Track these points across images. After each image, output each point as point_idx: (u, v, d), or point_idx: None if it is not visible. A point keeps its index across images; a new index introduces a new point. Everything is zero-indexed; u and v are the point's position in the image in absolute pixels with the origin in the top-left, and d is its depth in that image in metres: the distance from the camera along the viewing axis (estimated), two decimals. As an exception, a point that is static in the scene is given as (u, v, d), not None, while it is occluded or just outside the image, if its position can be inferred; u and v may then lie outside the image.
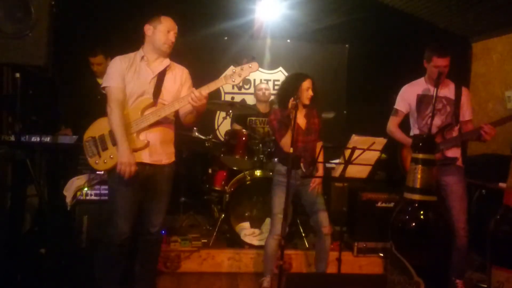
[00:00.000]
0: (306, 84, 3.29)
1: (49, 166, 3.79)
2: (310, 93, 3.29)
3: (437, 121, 3.41)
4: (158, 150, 2.87)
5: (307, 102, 3.30)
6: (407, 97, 3.57)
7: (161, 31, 2.85)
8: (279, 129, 3.31)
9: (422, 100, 3.49)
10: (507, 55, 4.70)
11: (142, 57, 2.87)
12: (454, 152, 3.43)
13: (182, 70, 3.04)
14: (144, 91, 2.83)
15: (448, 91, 3.46)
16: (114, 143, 2.75)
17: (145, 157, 2.81)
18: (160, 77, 2.89)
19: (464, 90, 3.48)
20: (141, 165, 2.79)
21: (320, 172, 3.43)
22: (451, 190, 3.35)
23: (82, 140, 2.87)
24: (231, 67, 2.80)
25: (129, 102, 2.82)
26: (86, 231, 3.40)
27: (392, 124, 3.62)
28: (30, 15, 3.02)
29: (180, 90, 2.97)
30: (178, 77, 2.98)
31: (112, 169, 2.76)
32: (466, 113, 3.47)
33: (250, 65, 2.79)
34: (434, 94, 3.19)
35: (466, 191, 3.45)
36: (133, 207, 2.83)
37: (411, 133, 3.63)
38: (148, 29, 2.88)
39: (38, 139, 3.31)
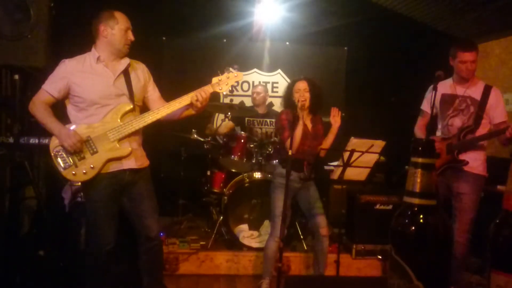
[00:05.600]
0: (298, 86, 3.30)
1: (47, 168, 3.78)
2: (304, 94, 3.26)
3: (458, 122, 3.23)
4: (139, 153, 2.78)
5: (300, 103, 3.24)
6: (431, 96, 3.34)
7: (120, 31, 2.64)
8: (289, 129, 3.28)
9: (446, 100, 3.30)
10: (505, 58, 4.71)
11: (98, 58, 2.65)
12: (470, 157, 3.17)
13: (142, 66, 2.86)
14: (108, 94, 2.63)
15: (475, 90, 3.20)
16: (93, 151, 2.60)
17: (131, 163, 2.70)
18: (127, 78, 2.71)
19: (493, 91, 3.18)
20: (121, 172, 2.68)
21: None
22: (460, 199, 3.20)
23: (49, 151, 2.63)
24: (216, 77, 2.77)
25: (93, 108, 2.62)
26: (84, 233, 3.39)
27: (418, 125, 3.49)
28: (30, 17, 3.03)
29: (146, 88, 2.83)
30: (141, 75, 2.81)
31: (92, 179, 2.62)
32: (496, 115, 3.15)
33: (235, 74, 2.78)
34: (458, 92, 2.99)
35: (478, 202, 3.21)
36: (115, 215, 2.73)
37: (437, 134, 3.44)
38: (103, 29, 2.63)
39: (37, 141, 3.30)
